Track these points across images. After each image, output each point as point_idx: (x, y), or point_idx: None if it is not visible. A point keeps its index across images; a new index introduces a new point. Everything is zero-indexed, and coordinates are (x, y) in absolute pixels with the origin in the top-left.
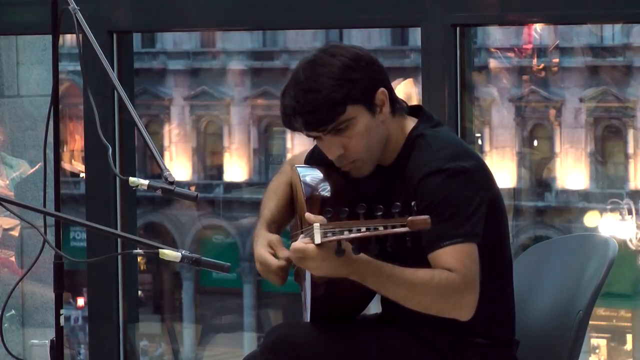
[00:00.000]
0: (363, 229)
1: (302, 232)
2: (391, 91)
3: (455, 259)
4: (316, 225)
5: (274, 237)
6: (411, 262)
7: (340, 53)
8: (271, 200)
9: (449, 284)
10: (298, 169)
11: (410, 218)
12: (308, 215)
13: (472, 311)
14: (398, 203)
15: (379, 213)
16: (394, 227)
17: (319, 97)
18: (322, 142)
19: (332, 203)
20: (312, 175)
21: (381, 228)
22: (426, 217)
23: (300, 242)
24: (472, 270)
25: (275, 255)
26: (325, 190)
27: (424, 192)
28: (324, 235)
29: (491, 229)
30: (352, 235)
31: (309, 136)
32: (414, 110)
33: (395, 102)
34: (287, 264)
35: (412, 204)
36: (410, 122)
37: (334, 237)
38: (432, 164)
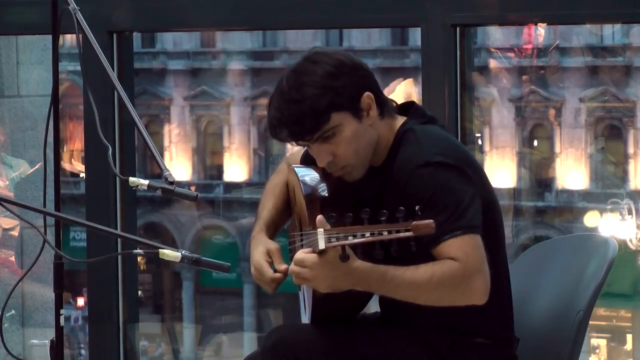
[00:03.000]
0: (367, 234)
1: (301, 236)
2: (378, 94)
3: (457, 249)
4: (320, 230)
5: (274, 247)
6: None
7: (323, 60)
8: (269, 201)
9: (451, 274)
10: (296, 169)
11: (414, 223)
12: (320, 217)
13: (485, 294)
14: (402, 207)
15: (383, 218)
16: (398, 231)
17: (302, 107)
18: (311, 149)
19: (332, 203)
20: (310, 175)
21: (385, 233)
22: (430, 221)
23: (301, 253)
24: (474, 256)
25: (271, 264)
26: (324, 191)
27: (414, 186)
28: (328, 240)
29: (487, 229)
30: (356, 240)
31: (297, 145)
32: (406, 107)
33: (383, 104)
34: (282, 277)
35: (417, 208)
36: (401, 121)
37: (338, 243)
38: (419, 158)
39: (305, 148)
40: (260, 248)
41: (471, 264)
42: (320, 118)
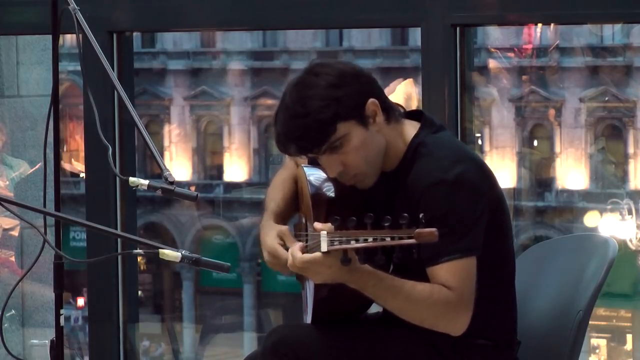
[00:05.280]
0: (370, 239)
1: (306, 236)
2: (383, 99)
3: (453, 275)
4: (323, 233)
5: (284, 228)
6: (417, 273)
7: (324, 72)
8: (277, 193)
9: (446, 302)
10: (304, 168)
11: (417, 230)
12: (317, 224)
13: (464, 328)
14: (406, 214)
15: (387, 224)
16: (400, 238)
17: (307, 121)
18: (321, 161)
19: (338, 204)
20: (317, 175)
21: (388, 239)
22: (433, 229)
23: (305, 254)
24: (468, 289)
25: (284, 246)
26: (331, 191)
27: (426, 204)
28: (331, 243)
29: (494, 231)
30: (359, 244)
31: (308, 158)
32: (414, 115)
33: (389, 109)
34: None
35: (420, 216)
36: (411, 128)
37: (340, 246)
38: (435, 175)
39: None
40: (272, 233)
41: (464, 298)
42: (326, 130)
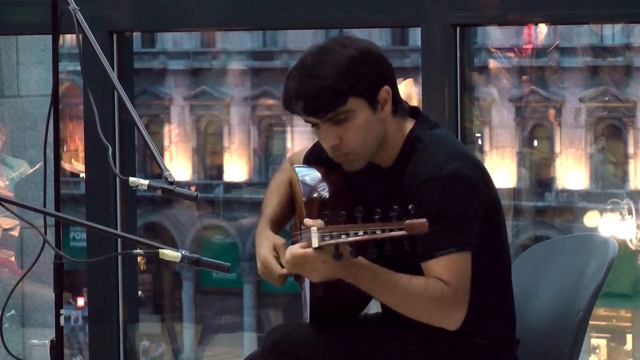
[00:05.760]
0: (360, 233)
1: (300, 235)
2: (396, 91)
3: (448, 270)
4: (314, 229)
5: (280, 242)
6: (410, 265)
7: (351, 44)
8: (274, 198)
9: (441, 297)
10: (296, 169)
11: (407, 221)
12: (307, 220)
13: (459, 323)
14: (396, 206)
15: (377, 217)
16: (391, 230)
17: (322, 85)
18: (319, 130)
19: (331, 204)
20: (310, 175)
21: (379, 231)
22: (423, 220)
23: (298, 248)
24: (463, 284)
25: (278, 259)
26: (324, 191)
27: (422, 199)
28: (322, 239)
29: (489, 230)
30: (350, 238)
31: (306, 121)
32: (411, 112)
33: (398, 102)
34: (290, 272)
35: (410, 207)
36: (409, 124)
37: (331, 241)
38: (431, 170)
39: (309, 148)
40: (266, 243)
41: (460, 292)
42: (337, 99)
